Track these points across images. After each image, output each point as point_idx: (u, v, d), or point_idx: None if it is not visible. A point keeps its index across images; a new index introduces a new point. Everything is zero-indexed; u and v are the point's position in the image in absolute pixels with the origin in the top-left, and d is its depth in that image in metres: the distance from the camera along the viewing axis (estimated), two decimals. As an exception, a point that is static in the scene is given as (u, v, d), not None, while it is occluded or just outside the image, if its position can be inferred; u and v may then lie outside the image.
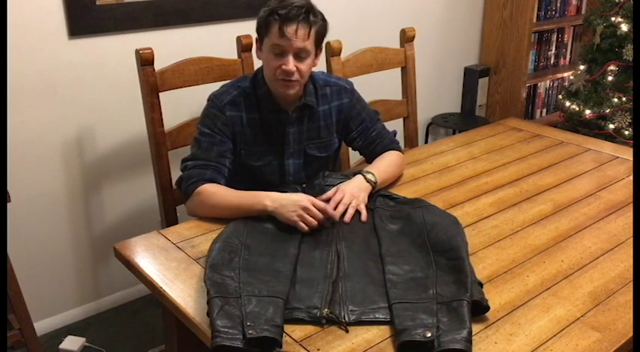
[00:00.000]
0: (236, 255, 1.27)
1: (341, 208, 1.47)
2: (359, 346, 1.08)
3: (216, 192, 1.51)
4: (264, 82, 1.61)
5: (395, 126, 2.03)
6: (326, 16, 1.58)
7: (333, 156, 1.80)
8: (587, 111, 2.84)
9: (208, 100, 1.63)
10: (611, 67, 2.79)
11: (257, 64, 1.82)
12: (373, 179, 1.59)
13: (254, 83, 1.63)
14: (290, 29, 1.47)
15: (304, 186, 1.62)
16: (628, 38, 2.70)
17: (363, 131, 1.76)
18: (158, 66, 1.81)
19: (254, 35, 1.98)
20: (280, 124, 1.64)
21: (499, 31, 3.28)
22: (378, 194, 1.58)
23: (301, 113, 1.65)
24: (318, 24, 1.52)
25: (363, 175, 1.59)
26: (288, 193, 1.48)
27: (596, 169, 1.87)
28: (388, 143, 1.78)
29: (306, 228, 1.39)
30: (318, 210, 1.41)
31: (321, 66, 1.90)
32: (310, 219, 1.40)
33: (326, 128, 1.71)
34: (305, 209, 1.40)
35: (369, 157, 1.78)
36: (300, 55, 1.51)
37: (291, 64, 1.50)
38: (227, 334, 1.03)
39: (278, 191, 1.49)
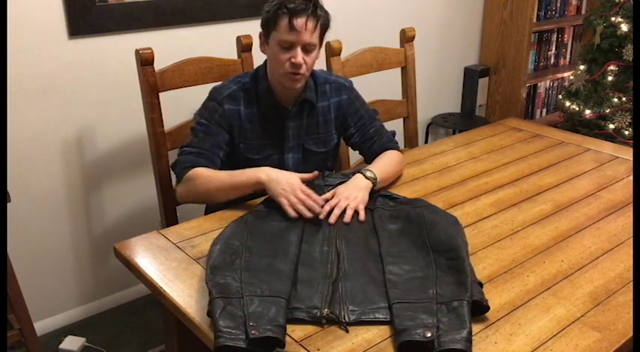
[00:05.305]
0: (237, 256, 1.26)
1: (337, 212, 1.47)
2: (359, 346, 1.08)
3: (209, 174, 1.57)
4: (265, 78, 1.65)
5: (395, 126, 2.03)
6: (326, 16, 1.59)
7: (333, 153, 1.82)
8: (587, 111, 2.84)
9: (209, 93, 1.68)
10: (611, 67, 2.79)
11: (257, 64, 1.82)
12: (373, 176, 1.59)
13: (255, 79, 1.67)
14: (299, 22, 1.50)
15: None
16: (628, 38, 2.70)
17: (361, 127, 1.78)
18: (158, 66, 1.81)
19: (254, 35, 2.00)
20: (280, 119, 1.67)
21: (499, 31, 3.28)
22: (378, 194, 1.58)
23: (301, 108, 1.69)
24: (324, 17, 1.57)
25: (363, 173, 1.59)
26: (284, 172, 1.53)
27: (596, 169, 1.87)
28: (386, 141, 1.79)
29: (293, 213, 1.43)
30: (306, 196, 1.46)
31: (321, 65, 1.90)
32: (299, 206, 1.44)
33: (324, 124, 1.74)
34: (294, 194, 1.46)
35: (367, 154, 1.79)
36: (307, 49, 1.56)
37: (299, 56, 1.54)
38: (230, 334, 1.03)
39: None
